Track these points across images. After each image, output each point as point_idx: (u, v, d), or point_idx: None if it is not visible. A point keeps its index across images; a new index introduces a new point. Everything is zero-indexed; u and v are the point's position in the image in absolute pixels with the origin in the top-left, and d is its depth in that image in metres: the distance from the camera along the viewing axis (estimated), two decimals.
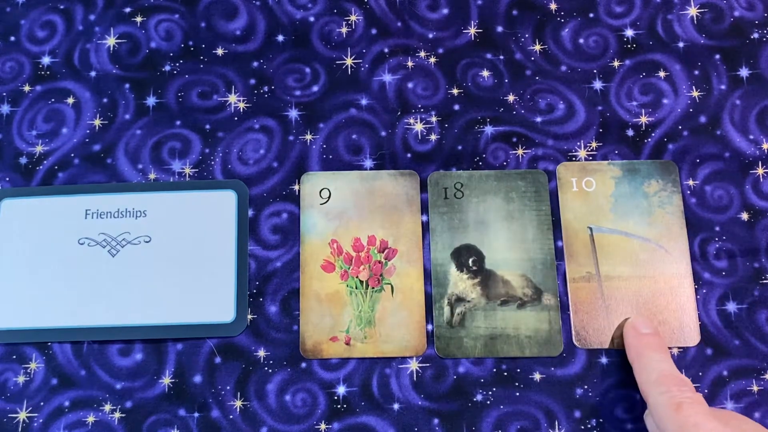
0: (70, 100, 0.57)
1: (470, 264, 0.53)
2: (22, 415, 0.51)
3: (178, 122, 0.57)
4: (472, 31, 0.59)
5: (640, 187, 0.55)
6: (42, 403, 0.51)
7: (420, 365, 0.52)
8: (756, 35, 0.59)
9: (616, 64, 0.58)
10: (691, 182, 0.55)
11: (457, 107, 0.57)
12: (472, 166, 0.56)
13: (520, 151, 0.56)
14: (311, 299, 0.52)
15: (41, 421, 0.51)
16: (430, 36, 0.59)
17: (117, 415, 0.51)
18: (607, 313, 0.52)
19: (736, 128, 0.56)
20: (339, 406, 0.51)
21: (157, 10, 0.60)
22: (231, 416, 0.51)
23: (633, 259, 0.53)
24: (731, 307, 0.52)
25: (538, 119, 0.57)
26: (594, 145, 0.56)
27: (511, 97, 0.57)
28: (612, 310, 0.52)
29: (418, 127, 0.57)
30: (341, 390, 0.51)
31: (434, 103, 0.57)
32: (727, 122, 0.56)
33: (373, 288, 0.53)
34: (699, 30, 0.59)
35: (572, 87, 0.57)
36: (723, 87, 0.57)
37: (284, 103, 0.57)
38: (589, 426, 0.50)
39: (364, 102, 0.57)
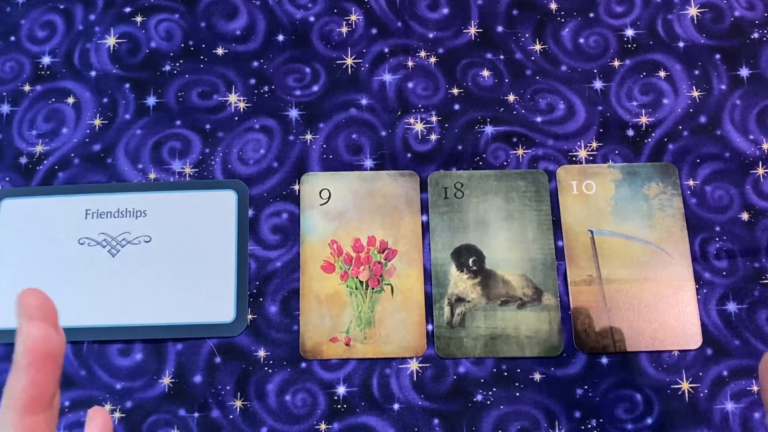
0: (70, 100, 0.57)
1: (470, 264, 0.53)
2: None
3: (178, 122, 0.57)
4: (472, 31, 0.59)
5: (640, 189, 0.54)
6: None
7: (420, 365, 0.52)
8: (756, 35, 0.58)
9: (616, 64, 0.58)
10: (691, 182, 0.55)
11: (457, 107, 0.57)
12: (472, 166, 0.55)
13: (520, 151, 0.56)
14: (311, 300, 0.52)
15: None
16: (430, 36, 0.59)
17: (117, 415, 0.51)
18: (609, 316, 0.52)
19: (736, 128, 0.56)
20: (339, 406, 0.51)
21: (157, 10, 0.59)
22: (231, 416, 0.51)
23: (634, 261, 0.53)
24: (731, 307, 0.52)
25: (538, 119, 0.56)
26: (594, 145, 0.56)
27: (511, 97, 0.57)
28: (613, 313, 0.52)
29: (418, 127, 0.56)
30: (341, 390, 0.51)
31: (434, 102, 0.57)
32: (727, 122, 0.56)
33: (373, 288, 0.53)
34: (699, 30, 0.59)
35: (572, 87, 0.57)
36: (723, 87, 0.57)
37: (284, 103, 0.57)
38: (589, 426, 0.50)
39: (364, 102, 0.57)
